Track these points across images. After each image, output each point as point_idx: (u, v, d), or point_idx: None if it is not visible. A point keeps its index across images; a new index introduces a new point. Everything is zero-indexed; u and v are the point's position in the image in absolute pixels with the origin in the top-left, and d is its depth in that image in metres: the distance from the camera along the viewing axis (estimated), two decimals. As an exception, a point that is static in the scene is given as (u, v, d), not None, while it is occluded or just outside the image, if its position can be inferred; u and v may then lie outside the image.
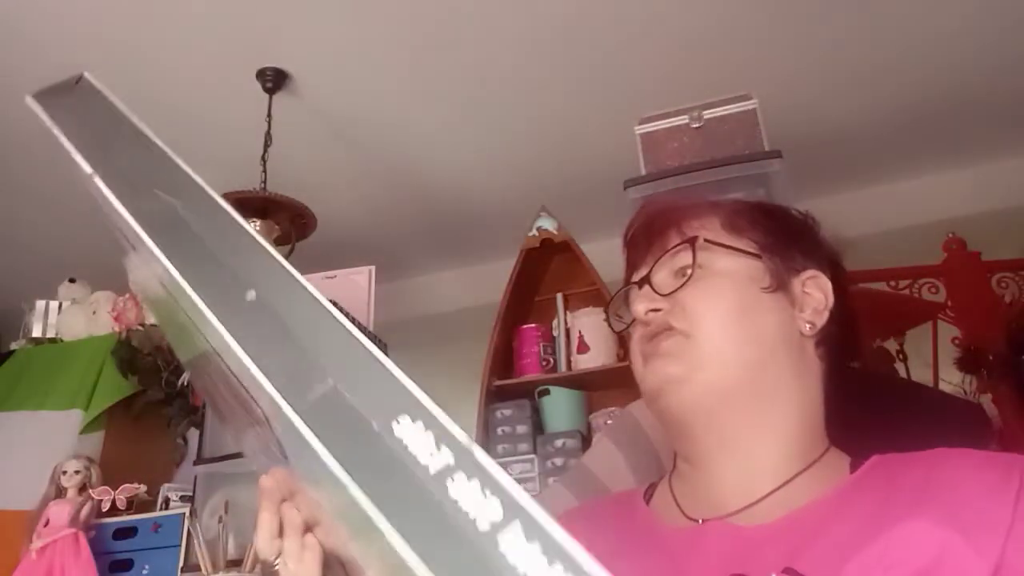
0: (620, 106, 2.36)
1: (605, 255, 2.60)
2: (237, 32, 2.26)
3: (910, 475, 0.59)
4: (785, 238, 0.70)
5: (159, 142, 0.52)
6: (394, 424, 0.36)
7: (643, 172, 2.05)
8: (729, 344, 0.64)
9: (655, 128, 2.08)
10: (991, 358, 2.15)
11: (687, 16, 2.27)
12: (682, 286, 0.66)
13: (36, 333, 2.57)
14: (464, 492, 0.33)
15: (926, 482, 0.57)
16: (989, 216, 2.75)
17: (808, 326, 0.67)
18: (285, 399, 0.39)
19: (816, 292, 0.69)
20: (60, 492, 2.05)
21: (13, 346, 2.59)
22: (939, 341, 2.35)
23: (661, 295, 0.66)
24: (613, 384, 2.23)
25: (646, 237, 0.71)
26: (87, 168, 0.51)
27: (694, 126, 2.05)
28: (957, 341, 2.28)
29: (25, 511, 2.04)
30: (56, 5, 2.13)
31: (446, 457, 0.34)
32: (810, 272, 0.69)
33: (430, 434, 0.35)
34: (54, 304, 2.61)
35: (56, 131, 0.53)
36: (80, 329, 2.51)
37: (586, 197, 2.77)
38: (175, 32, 2.24)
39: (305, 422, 0.38)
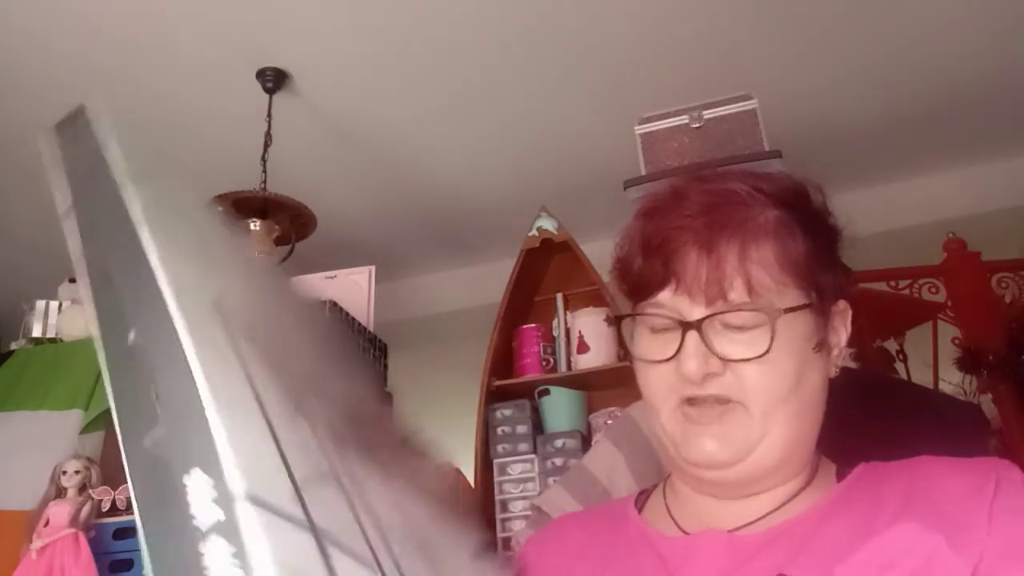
0: (620, 106, 2.36)
1: (605, 255, 2.60)
2: (237, 32, 2.26)
3: (895, 482, 0.60)
4: (824, 260, 0.63)
5: (126, 185, 0.51)
6: (186, 476, 0.36)
7: (643, 172, 2.05)
8: (782, 422, 0.60)
9: (655, 128, 2.08)
10: (991, 358, 2.15)
11: (687, 16, 2.27)
12: (751, 360, 0.59)
13: (36, 333, 2.57)
14: (216, 558, 0.33)
15: (910, 489, 0.59)
16: (989, 216, 2.75)
17: (835, 369, 0.65)
18: (124, 441, 0.39)
19: (842, 329, 0.65)
20: (60, 492, 2.05)
21: (13, 346, 2.59)
22: (939, 341, 2.35)
23: (721, 358, 0.59)
24: (613, 384, 2.22)
25: (695, 247, 0.61)
26: (61, 207, 0.51)
27: (694, 126, 2.05)
28: (957, 341, 2.28)
29: (25, 511, 2.05)
30: (56, 4, 2.13)
31: (216, 515, 0.34)
32: (839, 306, 0.65)
33: (213, 490, 0.35)
34: (54, 304, 2.61)
35: (54, 171, 0.53)
36: (80, 329, 2.51)
37: (586, 197, 2.76)
38: (176, 32, 2.24)
39: (130, 469, 0.38)
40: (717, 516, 0.63)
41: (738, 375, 0.59)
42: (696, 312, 0.60)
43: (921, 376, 2.31)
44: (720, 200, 0.63)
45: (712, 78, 2.30)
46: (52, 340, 2.56)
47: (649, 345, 0.63)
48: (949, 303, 2.35)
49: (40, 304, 2.61)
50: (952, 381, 2.24)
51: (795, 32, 2.34)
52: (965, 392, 2.20)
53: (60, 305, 2.61)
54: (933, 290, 2.37)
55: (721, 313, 0.59)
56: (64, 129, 0.52)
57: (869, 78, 2.53)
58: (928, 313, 2.36)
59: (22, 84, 2.38)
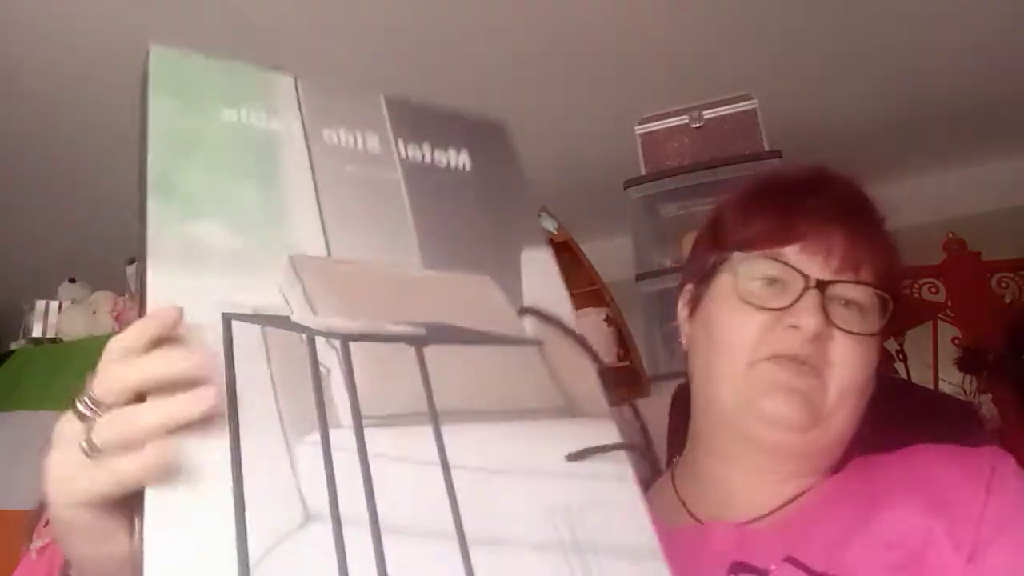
0: (620, 106, 2.36)
1: (605, 255, 2.60)
2: (237, 32, 2.26)
3: (891, 471, 0.61)
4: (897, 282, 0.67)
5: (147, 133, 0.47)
6: None
7: (643, 172, 2.05)
8: (848, 408, 0.61)
9: (655, 128, 2.08)
10: (991, 358, 2.15)
11: (687, 16, 2.26)
12: (859, 335, 0.60)
13: (36, 333, 2.56)
14: None
15: (907, 477, 0.59)
16: (989, 216, 2.75)
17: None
18: None
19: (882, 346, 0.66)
20: (60, 492, 2.05)
21: (13, 346, 2.59)
22: (939, 341, 2.35)
23: (831, 323, 0.59)
24: (613, 384, 2.22)
25: (835, 218, 0.63)
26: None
27: (694, 126, 2.05)
28: (957, 341, 2.28)
29: (25, 511, 2.04)
30: (56, 4, 2.13)
31: None
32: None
33: None
34: (54, 304, 2.61)
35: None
36: (80, 329, 2.51)
37: (586, 197, 2.76)
38: (175, 31, 2.24)
39: None
40: (731, 500, 0.63)
41: (836, 347, 0.59)
42: (823, 274, 0.61)
43: (921, 376, 2.31)
44: (853, 192, 0.67)
45: (712, 78, 2.30)
46: (52, 340, 2.56)
47: (752, 290, 0.62)
48: (949, 303, 2.35)
49: (40, 304, 2.60)
50: (952, 381, 2.24)
51: (795, 32, 2.34)
52: (965, 392, 2.20)
53: (60, 305, 2.61)
54: (933, 290, 2.37)
55: (846, 282, 0.60)
56: (141, 81, 0.48)
57: (869, 78, 2.53)
58: (928, 313, 2.36)
59: (22, 83, 2.38)
